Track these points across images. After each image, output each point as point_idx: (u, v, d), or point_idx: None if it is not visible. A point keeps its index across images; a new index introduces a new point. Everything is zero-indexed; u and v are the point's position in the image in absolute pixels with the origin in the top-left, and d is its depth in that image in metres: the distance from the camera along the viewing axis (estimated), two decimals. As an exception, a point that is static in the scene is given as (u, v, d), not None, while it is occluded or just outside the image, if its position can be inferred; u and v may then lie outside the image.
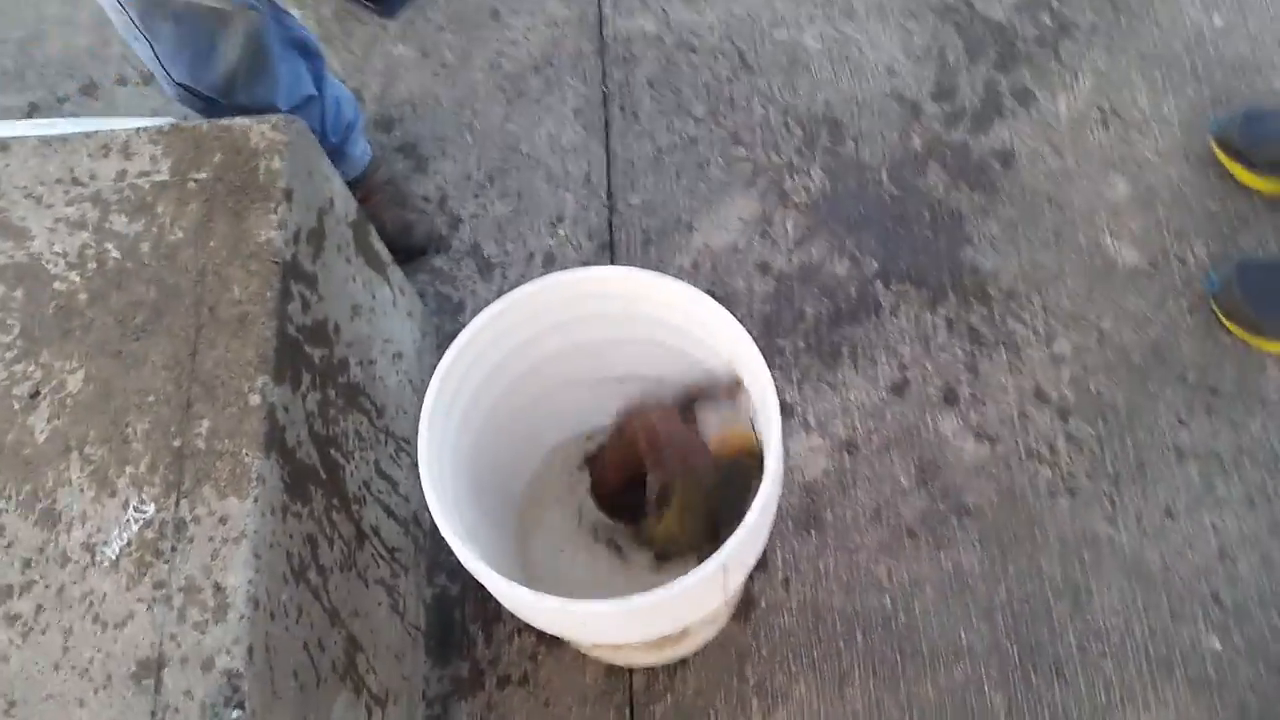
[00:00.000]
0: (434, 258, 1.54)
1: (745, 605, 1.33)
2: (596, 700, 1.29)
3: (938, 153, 1.61)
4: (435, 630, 1.32)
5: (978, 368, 1.45)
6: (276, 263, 0.98)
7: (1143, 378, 1.44)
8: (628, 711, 1.29)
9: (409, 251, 1.50)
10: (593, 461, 1.32)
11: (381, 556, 1.18)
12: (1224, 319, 1.45)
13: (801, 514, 1.38)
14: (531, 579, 1.29)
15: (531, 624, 1.02)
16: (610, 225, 1.56)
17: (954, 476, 1.39)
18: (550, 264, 1.53)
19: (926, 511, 1.37)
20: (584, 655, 1.30)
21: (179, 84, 1.21)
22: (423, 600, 1.32)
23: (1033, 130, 1.63)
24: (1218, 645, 1.29)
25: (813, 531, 1.37)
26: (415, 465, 1.27)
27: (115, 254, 0.98)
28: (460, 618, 1.34)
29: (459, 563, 0.95)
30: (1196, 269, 1.50)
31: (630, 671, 1.31)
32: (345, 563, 1.08)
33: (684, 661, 1.31)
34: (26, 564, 0.89)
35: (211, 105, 1.25)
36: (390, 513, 1.22)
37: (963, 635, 1.31)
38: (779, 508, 1.37)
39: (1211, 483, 1.37)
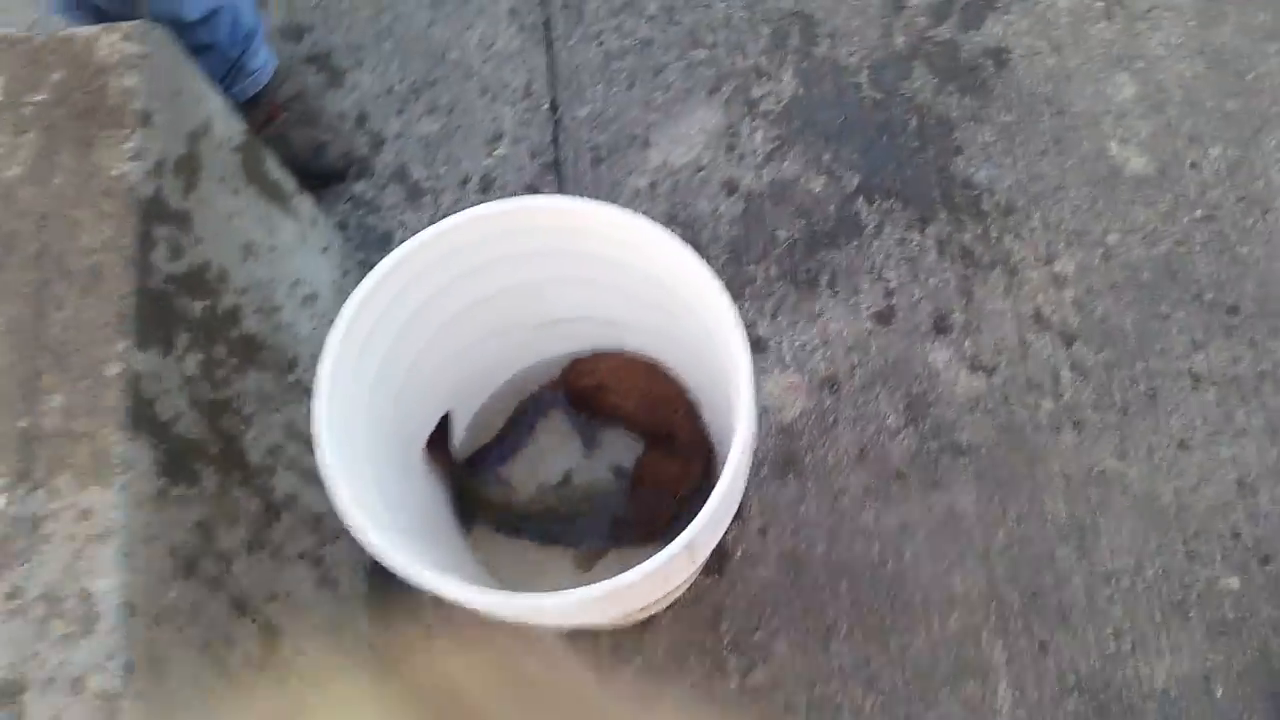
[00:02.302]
0: (354, 183, 1.36)
1: (719, 557, 1.20)
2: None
3: (923, 52, 1.44)
4: (379, 591, 1.19)
5: (972, 292, 1.31)
6: (133, 202, 0.81)
7: (1154, 298, 1.30)
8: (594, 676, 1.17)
9: (324, 176, 1.33)
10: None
11: (302, 528, 1.04)
12: None
13: (779, 458, 1.24)
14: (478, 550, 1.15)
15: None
16: (556, 142, 1.39)
17: (946, 412, 1.25)
18: (489, 188, 1.36)
19: (916, 451, 1.24)
20: (543, 620, 1.18)
21: None
22: (364, 566, 1.18)
23: (1028, 25, 1.45)
24: (1236, 585, 1.18)
25: (791, 476, 1.24)
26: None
27: (-62, 196, 0.82)
28: (405, 582, 1.20)
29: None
30: (1211, 175, 1.35)
31: (596, 634, 1.19)
32: (254, 542, 0.94)
33: (653, 619, 1.19)
34: None
35: (101, 18, 1.06)
36: (312, 477, 1.07)
37: (958, 582, 1.19)
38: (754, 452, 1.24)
39: (1230, 411, 1.24)
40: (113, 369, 0.77)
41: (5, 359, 0.78)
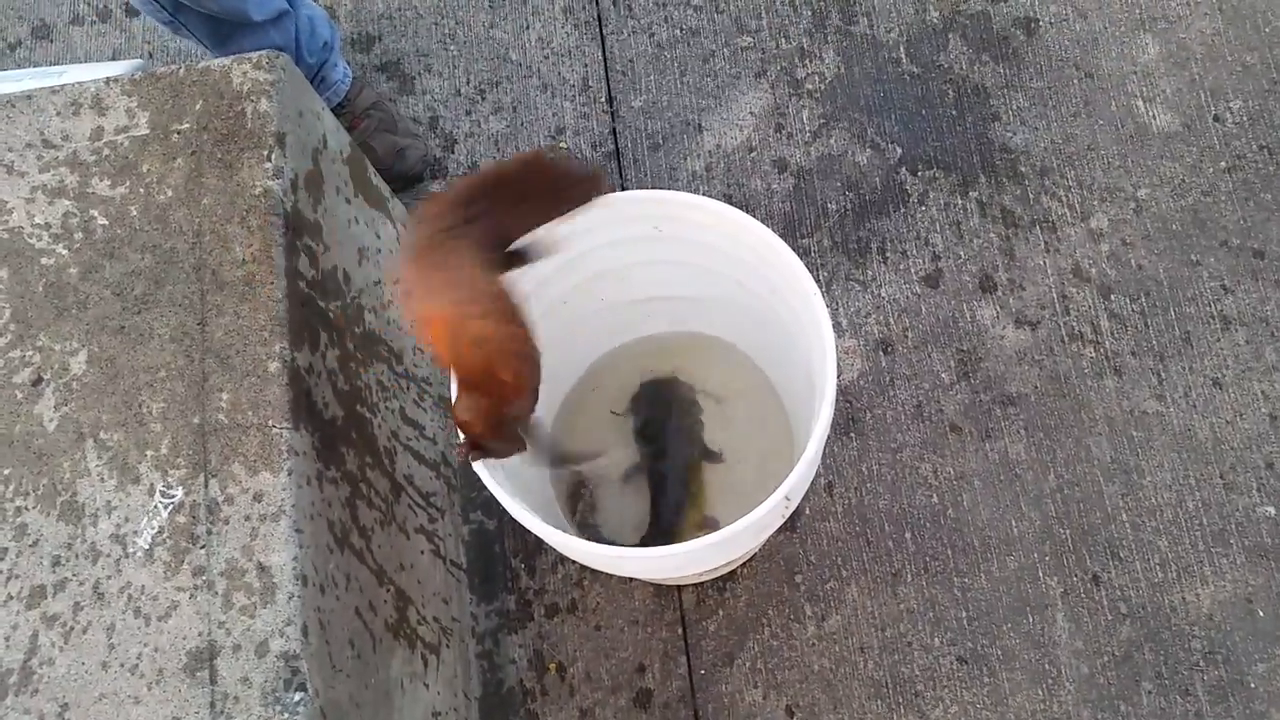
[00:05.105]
0: (430, 183, 1.45)
1: (791, 515, 1.30)
2: (648, 621, 1.27)
3: (957, 25, 1.51)
4: (477, 567, 1.29)
5: (1013, 251, 1.39)
6: (278, 215, 0.90)
7: (1184, 246, 1.38)
8: (680, 629, 1.27)
9: (404, 179, 1.41)
10: None
11: (418, 504, 1.14)
12: None
13: (841, 418, 1.34)
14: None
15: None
16: (614, 132, 1.47)
17: (996, 366, 1.34)
18: (555, 178, 1.45)
19: (969, 404, 1.33)
20: (630, 578, 1.28)
21: None
22: (461, 539, 1.29)
23: (1054, -9, 1.53)
24: (1272, 512, 1.27)
25: (854, 435, 1.33)
26: (438, 406, 1.22)
27: (102, 221, 0.91)
28: (501, 551, 1.30)
29: (492, 498, 0.91)
30: (1234, 127, 1.43)
31: (679, 589, 1.28)
32: (385, 518, 1.04)
33: (732, 574, 1.29)
34: (56, 562, 0.84)
35: (177, 10, 1.16)
36: (421, 458, 1.18)
37: (1013, 525, 1.28)
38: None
39: (1260, 349, 1.33)
40: (273, 366, 0.87)
41: (176, 363, 0.88)
